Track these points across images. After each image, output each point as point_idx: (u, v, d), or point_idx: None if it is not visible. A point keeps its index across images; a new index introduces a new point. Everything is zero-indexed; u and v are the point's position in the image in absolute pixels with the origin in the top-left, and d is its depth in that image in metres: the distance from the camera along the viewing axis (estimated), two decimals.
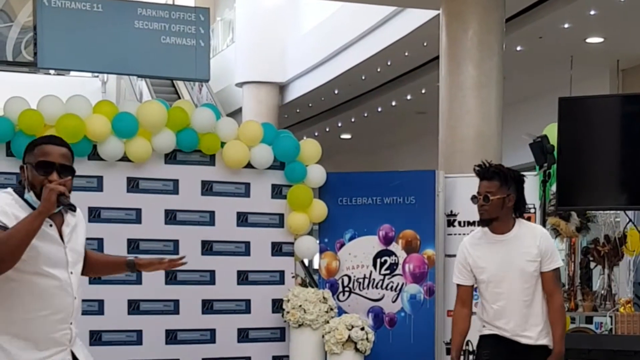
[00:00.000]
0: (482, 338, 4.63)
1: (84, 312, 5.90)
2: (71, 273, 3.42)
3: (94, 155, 6.07)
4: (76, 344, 3.46)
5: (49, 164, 3.34)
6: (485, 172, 4.51)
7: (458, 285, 4.66)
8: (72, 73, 17.20)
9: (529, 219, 6.35)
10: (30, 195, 3.33)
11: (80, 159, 6.01)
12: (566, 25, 11.11)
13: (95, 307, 6.08)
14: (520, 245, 4.46)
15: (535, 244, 4.45)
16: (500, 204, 4.44)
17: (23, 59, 7.76)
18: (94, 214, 6.07)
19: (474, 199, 4.50)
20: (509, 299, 4.47)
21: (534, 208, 6.36)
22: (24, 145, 5.74)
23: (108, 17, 7.65)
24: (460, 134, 8.51)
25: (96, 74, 18.03)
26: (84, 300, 5.88)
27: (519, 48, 11.92)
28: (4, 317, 3.27)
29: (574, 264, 6.25)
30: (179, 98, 16.49)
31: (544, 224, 6.04)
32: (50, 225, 3.34)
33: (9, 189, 3.41)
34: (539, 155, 6.01)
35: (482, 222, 4.52)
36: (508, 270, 4.45)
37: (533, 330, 4.47)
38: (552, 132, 6.04)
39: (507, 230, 4.50)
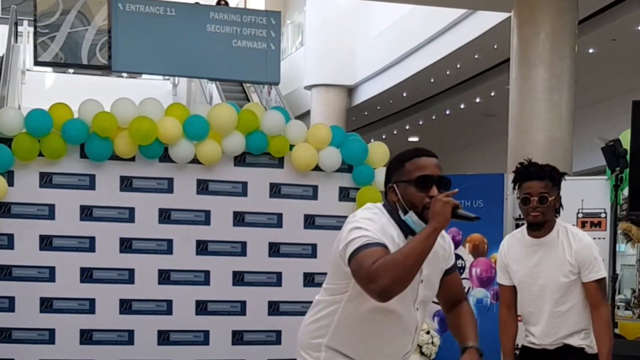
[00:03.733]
0: (520, 350, 4.45)
1: (152, 312, 6.08)
2: (417, 309, 3.11)
3: (165, 157, 6.17)
4: None
5: (427, 178, 3.04)
6: (539, 171, 4.17)
7: (500, 285, 4.43)
8: (143, 76, 17.48)
9: (599, 223, 6.30)
10: (410, 216, 3.01)
11: (151, 161, 6.15)
12: None
13: (163, 307, 6.18)
14: (555, 253, 4.18)
15: (571, 253, 4.16)
16: (553, 206, 4.16)
17: (97, 62, 7.90)
18: (164, 216, 6.18)
19: (525, 200, 4.14)
20: (537, 306, 4.25)
21: (605, 213, 6.27)
22: (97, 147, 5.97)
23: (181, 21, 7.75)
24: (530, 138, 8.43)
25: (167, 77, 18.29)
26: (152, 300, 6.09)
27: (591, 50, 11.74)
28: (341, 339, 3.14)
29: None
30: (248, 101, 16.65)
31: (615, 228, 5.95)
32: None
33: (380, 206, 3.14)
34: (611, 159, 5.92)
35: (535, 227, 4.20)
36: (537, 278, 4.22)
37: (565, 338, 4.23)
38: (625, 137, 5.95)
39: (547, 233, 4.21)
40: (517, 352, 4.56)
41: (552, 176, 4.18)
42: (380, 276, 2.78)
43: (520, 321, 4.49)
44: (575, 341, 4.25)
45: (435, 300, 3.31)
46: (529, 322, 4.35)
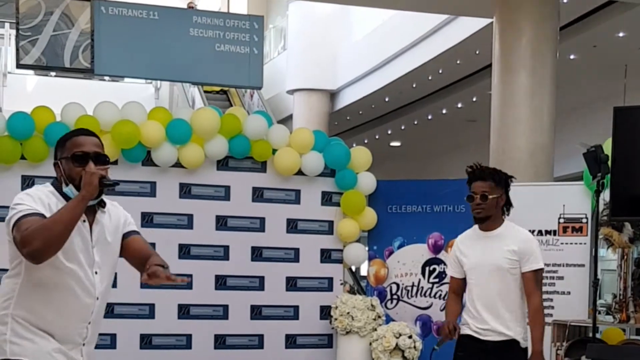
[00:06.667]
0: (460, 337, 4.76)
1: (134, 316, 6.08)
2: (95, 273, 3.36)
3: (148, 161, 6.16)
4: (88, 345, 3.41)
5: (84, 154, 3.32)
6: (481, 173, 4.72)
7: (451, 277, 4.89)
8: (126, 79, 17.39)
9: (580, 229, 6.33)
10: (70, 189, 3.31)
11: (134, 164, 6.14)
12: (620, 34, 10.98)
13: (146, 311, 6.16)
14: (501, 243, 4.68)
15: (515, 244, 4.66)
16: (495, 203, 4.68)
17: (80, 65, 7.83)
18: (147, 219, 6.16)
19: (469, 198, 4.68)
20: (481, 290, 4.68)
21: (586, 218, 6.30)
22: None
23: (164, 25, 7.73)
24: (512, 143, 8.45)
25: (150, 81, 18.21)
26: (134, 304, 6.08)
27: (572, 57, 11.80)
28: (26, 307, 3.28)
29: (626, 274, 6.16)
30: (231, 105, 16.62)
31: (596, 234, 5.97)
32: (84, 221, 3.31)
33: (47, 184, 3.41)
34: (593, 164, 5.94)
35: (478, 220, 4.72)
36: (483, 263, 4.68)
37: (503, 327, 4.63)
38: (606, 144, 5.97)
39: (495, 228, 4.73)
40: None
41: (494, 177, 4.72)
42: (32, 239, 3.12)
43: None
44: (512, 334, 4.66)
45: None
46: (472, 306, 4.71)
